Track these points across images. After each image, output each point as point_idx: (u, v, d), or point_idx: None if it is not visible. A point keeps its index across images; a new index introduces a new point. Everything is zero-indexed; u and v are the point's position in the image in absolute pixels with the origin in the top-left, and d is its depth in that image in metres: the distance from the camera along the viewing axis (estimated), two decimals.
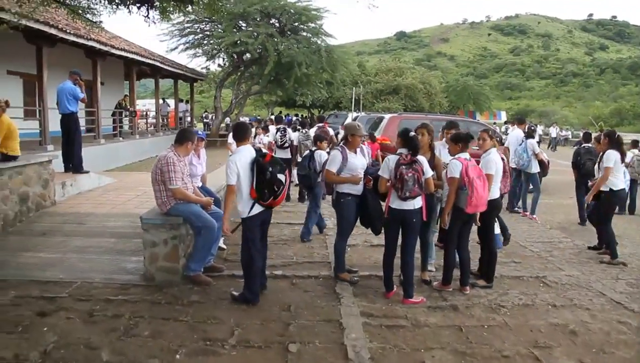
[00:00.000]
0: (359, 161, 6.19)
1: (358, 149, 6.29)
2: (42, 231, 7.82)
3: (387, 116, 14.89)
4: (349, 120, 27.34)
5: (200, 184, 6.85)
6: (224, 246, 7.35)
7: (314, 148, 8.41)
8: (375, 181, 6.00)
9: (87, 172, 11.19)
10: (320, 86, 31.25)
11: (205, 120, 37.12)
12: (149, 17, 6.66)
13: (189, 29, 29.22)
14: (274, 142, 12.62)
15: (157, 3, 6.37)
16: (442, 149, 6.92)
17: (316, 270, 6.72)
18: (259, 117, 31.34)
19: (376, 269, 6.58)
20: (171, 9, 6.85)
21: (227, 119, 32.66)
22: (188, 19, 27.89)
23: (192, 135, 6.23)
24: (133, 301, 5.49)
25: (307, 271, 6.61)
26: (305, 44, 28.14)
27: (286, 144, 12.44)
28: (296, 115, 43.55)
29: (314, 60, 27.12)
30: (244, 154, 5.44)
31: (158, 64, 22.16)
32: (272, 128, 13.72)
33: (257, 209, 5.47)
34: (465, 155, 6.10)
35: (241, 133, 5.70)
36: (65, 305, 5.31)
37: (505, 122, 38.45)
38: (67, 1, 6.84)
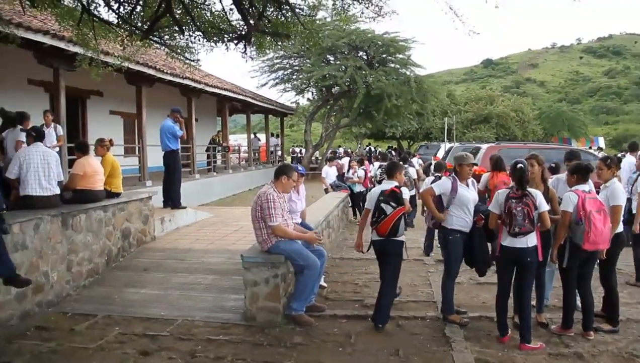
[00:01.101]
0: (470, 194, 5.84)
1: (469, 181, 5.95)
2: (143, 267, 7.89)
3: (484, 146, 14.40)
4: (441, 151, 26.85)
5: (299, 221, 6.68)
6: (325, 284, 7.12)
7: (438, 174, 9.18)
8: (487, 220, 5.63)
9: (184, 208, 11.38)
10: (410, 117, 30.87)
11: (293, 154, 37.48)
12: (246, 53, 6.65)
13: (278, 65, 29.80)
14: (372, 176, 13.07)
15: (253, 39, 6.33)
16: (560, 182, 6.44)
17: (422, 310, 6.35)
18: (348, 149, 31.33)
19: (486, 310, 6.16)
20: (267, 44, 6.82)
21: (317, 153, 32.87)
22: (277, 55, 28.44)
23: (291, 171, 6.09)
24: (234, 342, 5.33)
25: (413, 312, 6.25)
26: (394, 75, 27.98)
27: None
28: (389, 147, 43.32)
29: (404, 91, 26.85)
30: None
31: (249, 99, 22.61)
32: (376, 164, 14.17)
33: (374, 236, 5.75)
34: (584, 187, 5.61)
35: (393, 170, 6.04)
36: (167, 345, 5.24)
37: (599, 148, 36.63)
38: (167, 42, 6.94)
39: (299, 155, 36.18)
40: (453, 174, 6.00)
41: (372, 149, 40.48)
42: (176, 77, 14.94)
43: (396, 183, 5.85)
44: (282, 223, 5.72)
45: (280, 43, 6.74)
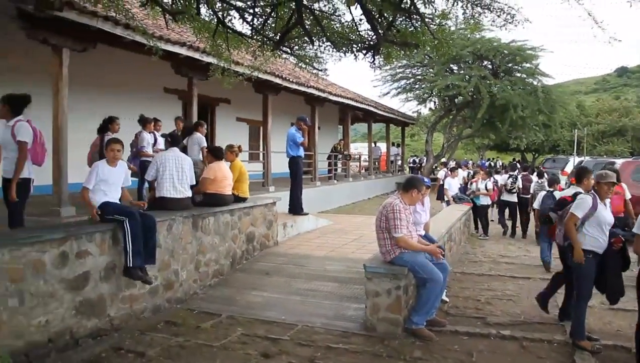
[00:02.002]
0: (608, 215, 5.47)
1: (607, 201, 5.57)
2: (265, 271, 8.10)
3: (619, 161, 13.47)
4: (570, 165, 25.47)
5: (423, 233, 6.57)
6: (446, 299, 6.94)
7: (550, 189, 9.16)
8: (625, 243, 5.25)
9: (306, 214, 11.59)
10: (536, 128, 29.58)
11: (411, 164, 37.05)
12: (374, 63, 6.66)
13: (401, 74, 29.70)
14: (502, 185, 13.51)
15: (382, 49, 6.32)
16: None
17: (549, 332, 6.00)
18: (463, 161, 30.54)
19: (621, 339, 5.70)
20: (395, 54, 6.79)
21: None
22: (400, 64, 28.32)
23: (420, 183, 6.01)
24: (354, 351, 5.30)
25: (539, 334, 5.92)
26: (521, 85, 26.99)
27: (514, 190, 13.30)
28: (513, 160, 41.79)
29: (530, 101, 25.80)
30: None
31: (372, 108, 22.68)
32: (505, 175, 14.46)
33: None
34: None
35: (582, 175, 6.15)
36: (287, 349, 5.30)
37: None
38: (296, 52, 7.09)
39: (417, 165, 35.74)
40: (592, 191, 5.65)
41: (492, 163, 39.19)
42: (301, 86, 15.30)
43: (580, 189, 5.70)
44: (406, 235, 5.65)
45: (408, 53, 6.67)
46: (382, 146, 30.44)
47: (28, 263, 4.89)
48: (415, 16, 5.76)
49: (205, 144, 9.81)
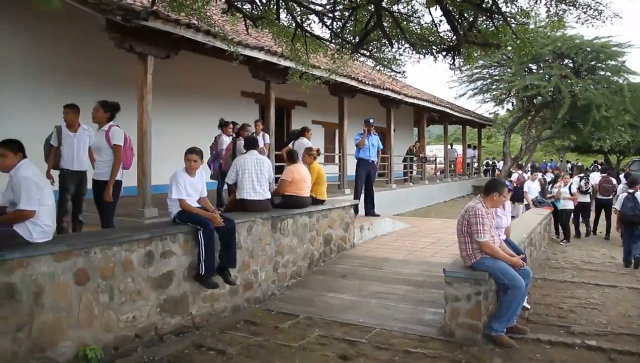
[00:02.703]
0: None
1: None
2: (342, 273, 8.11)
3: None
4: None
5: (504, 237, 6.41)
6: (528, 306, 6.73)
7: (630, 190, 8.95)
8: None
9: (378, 215, 11.54)
10: (621, 129, 28.19)
11: (486, 167, 36.13)
12: (454, 65, 6.55)
13: (477, 75, 29.05)
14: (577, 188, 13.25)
15: (462, 50, 6.21)
16: None
17: (639, 345, 5.73)
18: (537, 164, 29.55)
19: None
20: (476, 54, 6.66)
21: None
22: (477, 64, 27.72)
23: (501, 186, 5.87)
24: (432, 356, 5.23)
25: (628, 346, 5.61)
26: (605, 83, 25.77)
27: (589, 190, 13.38)
28: (595, 162, 40.10)
29: (615, 101, 24.58)
30: None
31: (447, 110, 22.34)
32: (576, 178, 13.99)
33: None
34: None
35: None
36: (365, 352, 5.29)
37: None
38: (375, 54, 7.08)
39: (490, 167, 34.85)
40: None
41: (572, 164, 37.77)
42: (377, 88, 15.26)
43: None
44: (490, 240, 5.53)
45: (489, 53, 6.53)
46: (458, 148, 29.91)
47: (118, 262, 5.12)
48: (496, 15, 5.63)
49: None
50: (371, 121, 11.96)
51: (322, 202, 8.77)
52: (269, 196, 7.50)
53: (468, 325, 5.60)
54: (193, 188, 6.13)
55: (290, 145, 10.35)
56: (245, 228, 6.75)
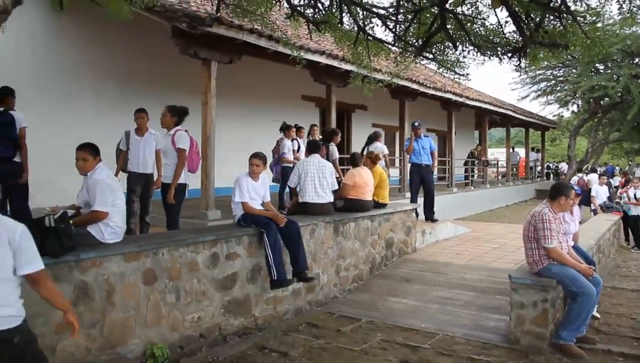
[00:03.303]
0: None
1: None
2: (404, 277, 8.05)
3: None
4: None
5: (572, 243, 6.23)
6: (598, 315, 6.50)
7: None
8: None
9: (436, 220, 11.36)
10: None
11: (547, 170, 35.09)
12: (520, 67, 6.42)
13: (541, 76, 28.32)
14: None
15: (528, 51, 6.07)
16: None
17: None
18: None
19: None
20: (543, 56, 6.50)
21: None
22: (540, 65, 27.00)
23: (567, 189, 5.71)
24: None
25: None
26: None
27: None
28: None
29: None
30: None
31: (510, 113, 21.89)
32: None
33: None
34: None
35: None
36: (427, 357, 5.23)
37: None
38: (438, 57, 7.00)
39: (552, 170, 33.85)
40: None
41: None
42: (438, 91, 15.12)
43: None
44: (557, 246, 5.39)
45: (557, 54, 6.36)
46: (521, 151, 29.23)
47: (184, 263, 5.24)
48: (565, 15, 5.48)
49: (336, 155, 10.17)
50: (416, 124, 11.73)
51: (384, 206, 8.73)
52: (331, 200, 7.53)
53: (534, 332, 5.46)
54: (256, 192, 6.22)
55: (365, 149, 10.53)
56: (308, 231, 6.80)
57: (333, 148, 10.04)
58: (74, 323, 3.19)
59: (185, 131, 6.69)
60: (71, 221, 4.64)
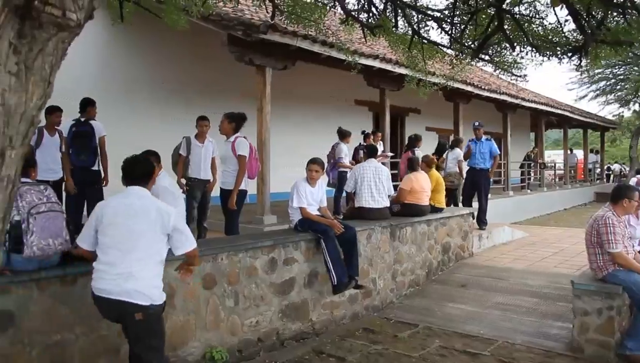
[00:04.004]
0: None
1: None
2: (462, 283, 7.94)
3: None
4: None
5: (638, 248, 6.01)
6: None
7: None
8: None
9: (482, 229, 10.91)
10: None
11: (607, 172, 33.95)
12: (580, 66, 6.26)
13: (599, 75, 27.52)
14: None
15: (590, 50, 5.90)
16: None
17: None
18: None
19: None
20: (605, 54, 6.31)
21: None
22: (595, 65, 26.15)
23: (630, 191, 5.51)
24: None
25: None
26: None
27: None
28: None
29: None
30: None
31: (568, 113, 21.33)
32: None
33: None
34: None
35: None
36: None
37: None
38: (494, 59, 6.88)
39: (610, 172, 32.74)
40: None
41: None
42: (493, 93, 14.88)
43: None
44: (623, 250, 5.21)
45: (620, 52, 6.17)
46: (578, 153, 28.43)
47: (243, 268, 5.31)
48: (629, 10, 5.31)
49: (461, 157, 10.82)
50: (476, 124, 11.41)
51: (440, 210, 8.64)
52: (388, 204, 7.49)
53: (599, 341, 5.29)
54: (313, 198, 6.25)
55: (444, 155, 10.86)
56: (364, 236, 6.79)
57: (418, 153, 10.10)
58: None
59: (244, 137, 6.77)
60: None
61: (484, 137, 11.30)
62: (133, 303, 3.45)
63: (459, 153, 11.42)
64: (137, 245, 3.55)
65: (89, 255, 3.71)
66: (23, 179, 3.51)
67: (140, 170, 3.86)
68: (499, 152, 11.46)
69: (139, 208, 3.65)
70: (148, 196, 3.80)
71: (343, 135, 10.11)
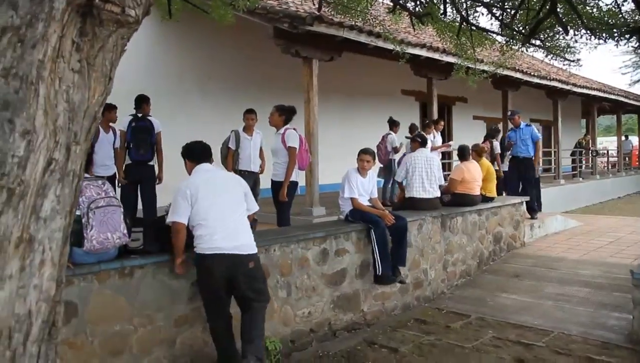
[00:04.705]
0: None
1: None
2: (514, 273, 7.82)
3: None
4: None
5: None
6: None
7: None
8: None
9: (535, 218, 10.59)
10: None
11: None
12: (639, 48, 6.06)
13: None
14: None
15: None
16: None
17: None
18: None
19: None
20: None
21: None
22: None
23: None
24: None
25: None
26: None
27: None
28: None
29: None
30: None
31: (621, 98, 20.67)
32: None
33: None
34: None
35: None
36: (543, 356, 5.05)
37: None
38: (547, 44, 6.73)
39: None
40: None
41: None
42: (543, 80, 14.56)
43: None
44: None
45: None
46: (633, 139, 27.53)
47: (295, 259, 5.34)
48: None
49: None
50: (509, 113, 11.13)
51: (491, 199, 8.53)
52: (438, 194, 7.43)
53: None
54: (364, 188, 6.24)
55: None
56: (415, 226, 6.75)
57: (496, 143, 10.41)
58: None
59: (294, 129, 6.80)
60: None
61: (522, 123, 10.89)
62: (245, 254, 4.23)
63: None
64: (234, 207, 4.34)
65: (183, 228, 4.23)
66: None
67: (209, 150, 4.59)
68: (539, 136, 10.96)
69: (221, 178, 4.56)
70: (218, 169, 4.62)
71: (394, 124, 10.09)
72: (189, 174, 4.51)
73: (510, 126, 11.33)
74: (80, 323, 3.82)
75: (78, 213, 3.71)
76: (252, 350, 4.14)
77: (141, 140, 7.13)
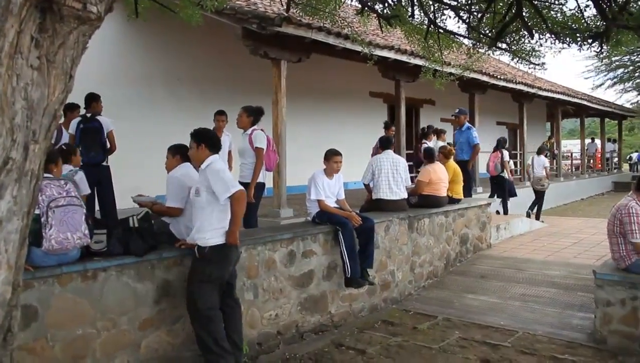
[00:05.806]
0: None
1: None
2: (480, 274, 7.89)
3: None
4: None
5: None
6: None
7: None
8: None
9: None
10: None
11: (629, 161, 33.57)
12: (601, 53, 6.17)
13: (617, 63, 27.19)
14: None
15: (612, 35, 5.80)
16: None
17: None
18: None
19: None
20: (627, 40, 6.20)
21: None
22: (616, 51, 25.86)
23: None
24: None
25: None
26: None
27: None
28: None
29: None
30: None
31: (584, 102, 21.05)
32: None
33: None
34: None
35: None
36: (508, 356, 5.11)
37: None
38: (512, 47, 6.80)
39: (633, 161, 32.38)
40: None
41: None
42: (509, 83, 14.71)
43: None
44: None
45: None
46: (598, 142, 28.12)
47: (262, 261, 5.31)
48: None
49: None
50: (456, 111, 11.09)
51: (458, 201, 8.61)
52: (406, 196, 7.45)
53: (623, 332, 5.23)
54: (331, 190, 6.23)
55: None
56: (382, 228, 6.76)
57: (506, 153, 10.85)
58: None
59: (262, 130, 6.75)
60: (150, 211, 4.86)
61: (466, 125, 10.95)
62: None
63: (544, 159, 13.59)
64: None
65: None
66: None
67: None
68: (477, 141, 10.76)
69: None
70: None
71: (387, 127, 10.23)
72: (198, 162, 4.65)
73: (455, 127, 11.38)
74: (40, 327, 3.72)
75: (37, 212, 3.62)
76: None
77: (90, 141, 6.76)
